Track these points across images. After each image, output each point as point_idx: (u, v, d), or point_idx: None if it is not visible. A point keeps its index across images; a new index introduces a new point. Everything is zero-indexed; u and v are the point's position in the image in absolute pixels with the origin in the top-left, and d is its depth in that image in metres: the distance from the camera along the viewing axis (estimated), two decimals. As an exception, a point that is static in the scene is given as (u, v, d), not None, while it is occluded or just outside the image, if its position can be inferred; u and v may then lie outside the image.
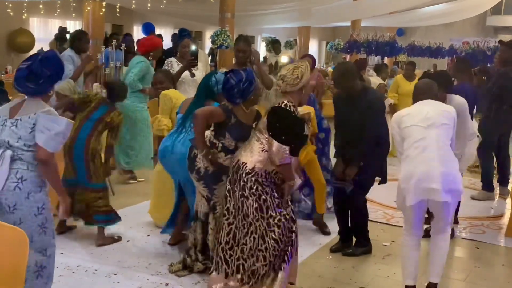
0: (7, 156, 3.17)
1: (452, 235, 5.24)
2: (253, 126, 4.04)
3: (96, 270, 4.34)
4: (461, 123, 4.75)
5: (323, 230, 5.42)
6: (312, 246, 5.06)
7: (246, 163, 3.84)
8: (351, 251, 4.94)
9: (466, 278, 4.64)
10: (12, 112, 3.25)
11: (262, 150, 3.83)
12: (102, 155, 4.99)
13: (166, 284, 4.16)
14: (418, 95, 4.26)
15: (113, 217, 4.90)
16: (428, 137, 3.95)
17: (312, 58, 6.62)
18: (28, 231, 3.17)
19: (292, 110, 3.83)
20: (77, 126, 4.74)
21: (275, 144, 3.75)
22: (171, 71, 5.99)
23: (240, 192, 3.83)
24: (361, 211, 4.93)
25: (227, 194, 3.92)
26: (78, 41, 6.87)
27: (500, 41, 7.40)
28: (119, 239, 4.96)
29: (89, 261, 4.48)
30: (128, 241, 4.97)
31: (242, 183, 3.83)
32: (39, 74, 3.20)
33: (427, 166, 3.88)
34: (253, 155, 3.85)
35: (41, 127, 3.17)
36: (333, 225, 5.36)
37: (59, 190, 3.37)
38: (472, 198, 6.85)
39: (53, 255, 3.36)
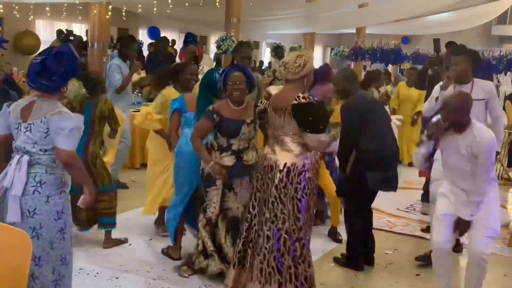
0: (24, 161, 3.15)
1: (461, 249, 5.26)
2: (248, 121, 4.07)
3: (98, 273, 4.34)
4: (491, 108, 4.96)
5: (336, 238, 5.42)
6: (314, 253, 5.02)
7: (296, 163, 3.81)
8: (340, 258, 4.90)
9: (469, 287, 4.62)
10: (24, 115, 3.20)
11: (303, 149, 3.84)
12: (105, 158, 4.98)
13: (168, 288, 4.15)
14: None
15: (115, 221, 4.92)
16: None
17: (328, 67, 6.57)
18: (48, 236, 3.18)
19: (308, 100, 3.79)
20: None
21: (315, 137, 3.80)
22: None
23: (293, 194, 3.79)
24: (347, 222, 4.85)
25: (275, 200, 3.81)
26: (125, 48, 6.78)
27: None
28: (125, 240, 4.97)
29: (91, 264, 4.48)
30: (130, 244, 4.97)
31: (295, 185, 3.79)
32: (53, 70, 3.13)
33: None
34: (298, 154, 3.83)
35: (55, 130, 3.13)
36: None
37: (88, 183, 3.34)
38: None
39: (71, 263, 3.34)
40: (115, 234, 5.03)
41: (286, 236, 3.80)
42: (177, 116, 4.61)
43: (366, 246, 4.83)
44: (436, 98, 5.09)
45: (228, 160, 4.09)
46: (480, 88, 4.96)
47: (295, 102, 3.78)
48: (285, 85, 4.00)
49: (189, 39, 6.37)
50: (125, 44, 6.90)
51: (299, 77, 3.86)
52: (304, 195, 3.80)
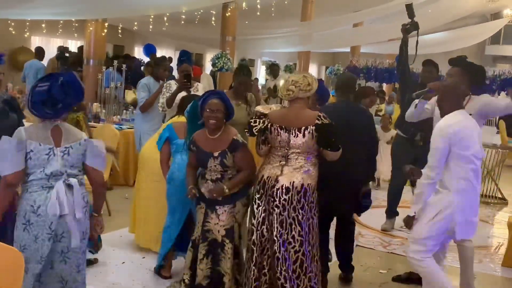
0: (76, 184, 3.14)
1: None
2: (216, 154, 3.95)
3: (90, 291, 4.30)
4: (495, 108, 4.70)
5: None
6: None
7: (310, 183, 3.85)
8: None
9: (463, 307, 4.60)
10: (56, 140, 3.17)
11: (315, 168, 3.91)
12: None
13: (161, 307, 4.12)
14: (457, 96, 4.04)
15: (94, 245, 4.69)
16: (479, 169, 3.98)
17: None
18: (84, 256, 3.28)
19: (329, 120, 3.88)
20: None
21: (334, 155, 3.90)
22: (168, 93, 5.94)
23: (309, 215, 3.84)
24: None
25: (292, 221, 3.82)
26: (157, 67, 6.77)
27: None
28: (95, 261, 4.83)
29: (83, 282, 4.44)
30: (123, 262, 4.93)
31: (310, 205, 3.84)
32: (59, 100, 3.13)
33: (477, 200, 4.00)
34: (311, 174, 3.86)
35: (96, 152, 3.19)
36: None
37: (100, 210, 3.43)
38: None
39: None
40: (107, 250, 5.00)
41: (303, 258, 3.81)
42: (168, 146, 4.62)
43: (344, 260, 4.82)
44: (415, 106, 4.83)
45: (203, 188, 4.02)
46: (475, 103, 4.63)
47: (318, 121, 3.81)
48: (291, 104, 3.95)
49: (183, 57, 6.30)
50: (157, 63, 6.89)
51: (307, 96, 3.90)
52: (315, 213, 3.88)
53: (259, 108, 4.10)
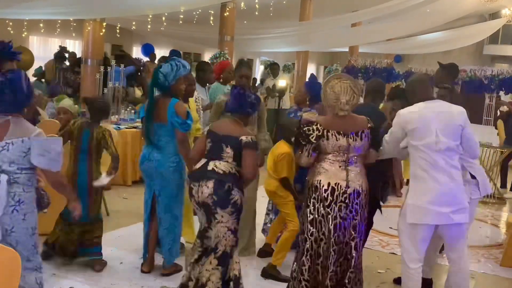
0: (3, 181, 3.11)
1: None
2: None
3: (88, 292, 4.30)
4: None
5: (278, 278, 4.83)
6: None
7: (367, 184, 3.95)
8: None
9: (461, 307, 4.60)
10: None
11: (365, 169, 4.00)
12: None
13: (159, 307, 4.11)
14: (415, 92, 4.18)
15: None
16: (438, 160, 3.93)
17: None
18: (25, 252, 3.19)
19: (371, 122, 4.02)
20: (74, 159, 4.65)
21: (376, 154, 4.10)
22: None
23: (357, 217, 3.89)
24: None
25: (361, 221, 3.91)
26: (203, 72, 6.55)
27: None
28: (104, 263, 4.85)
29: (82, 283, 4.44)
30: (121, 263, 4.92)
31: (361, 206, 3.91)
32: None
33: (438, 189, 3.92)
34: (362, 175, 3.93)
35: (40, 151, 3.13)
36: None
37: (73, 198, 3.62)
38: None
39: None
40: (106, 251, 4.99)
41: (359, 243, 3.92)
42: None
43: None
44: None
45: None
46: None
47: (370, 125, 3.97)
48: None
49: (173, 56, 6.33)
50: (202, 68, 6.66)
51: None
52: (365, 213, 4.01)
53: (305, 116, 4.12)
